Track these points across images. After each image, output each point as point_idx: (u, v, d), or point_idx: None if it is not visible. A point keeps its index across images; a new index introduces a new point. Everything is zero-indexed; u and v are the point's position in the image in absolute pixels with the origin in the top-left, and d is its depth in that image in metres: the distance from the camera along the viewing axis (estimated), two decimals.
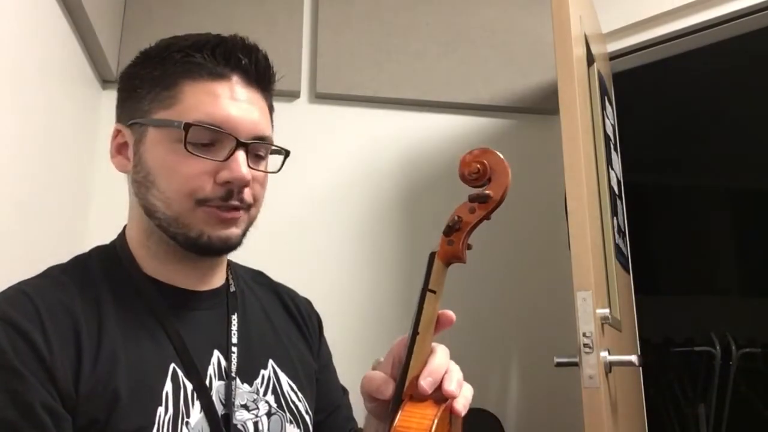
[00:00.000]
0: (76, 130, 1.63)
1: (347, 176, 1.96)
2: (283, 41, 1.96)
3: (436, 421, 0.59)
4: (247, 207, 0.75)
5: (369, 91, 1.98)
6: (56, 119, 1.48)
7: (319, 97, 1.98)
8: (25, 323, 0.63)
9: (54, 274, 0.72)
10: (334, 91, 1.97)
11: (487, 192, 0.65)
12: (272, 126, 0.81)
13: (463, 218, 0.66)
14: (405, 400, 0.62)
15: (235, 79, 0.74)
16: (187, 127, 0.69)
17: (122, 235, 0.79)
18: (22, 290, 0.67)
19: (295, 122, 1.95)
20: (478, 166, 0.65)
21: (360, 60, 1.99)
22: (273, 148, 0.79)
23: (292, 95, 1.96)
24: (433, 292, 0.65)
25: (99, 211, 1.75)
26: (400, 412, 0.60)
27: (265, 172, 0.78)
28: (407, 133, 2.02)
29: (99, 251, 0.78)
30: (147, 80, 0.74)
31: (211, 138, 0.71)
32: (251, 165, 0.74)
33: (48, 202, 1.45)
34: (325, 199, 1.92)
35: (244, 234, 0.77)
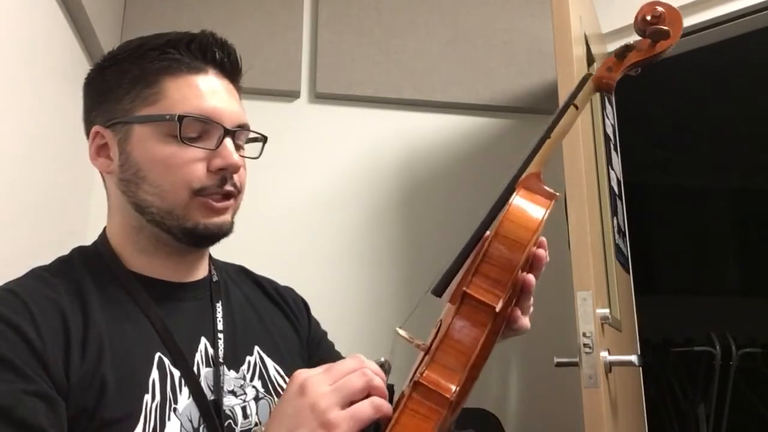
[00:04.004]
0: (76, 129, 1.63)
1: (347, 176, 1.96)
2: (283, 41, 1.96)
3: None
4: (236, 194, 0.78)
5: (369, 91, 1.98)
6: (56, 119, 1.48)
7: (319, 97, 1.98)
8: (16, 317, 0.64)
9: (37, 273, 0.74)
10: (334, 91, 1.97)
11: (664, 28, 0.68)
12: None
13: (640, 48, 0.69)
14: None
15: (212, 72, 0.78)
16: (181, 118, 0.72)
17: (103, 235, 0.80)
18: (8, 289, 0.69)
19: (295, 122, 1.95)
20: (662, 10, 0.70)
21: (360, 60, 1.99)
22: (250, 135, 0.82)
23: (292, 95, 1.96)
24: (576, 107, 0.68)
25: (99, 210, 1.75)
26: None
27: (248, 158, 0.82)
28: (407, 133, 2.02)
29: (80, 251, 0.79)
30: (124, 80, 0.75)
31: (200, 129, 0.74)
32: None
33: (48, 202, 1.45)
34: (324, 199, 1.92)
35: (233, 222, 0.80)
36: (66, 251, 0.79)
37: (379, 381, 0.63)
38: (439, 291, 0.68)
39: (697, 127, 3.72)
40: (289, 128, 1.94)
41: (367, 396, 0.61)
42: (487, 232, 0.66)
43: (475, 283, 0.60)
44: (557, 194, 0.65)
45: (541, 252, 0.67)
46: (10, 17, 1.22)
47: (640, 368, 1.78)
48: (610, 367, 1.25)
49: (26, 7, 1.29)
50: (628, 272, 1.84)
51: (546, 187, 0.66)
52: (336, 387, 0.61)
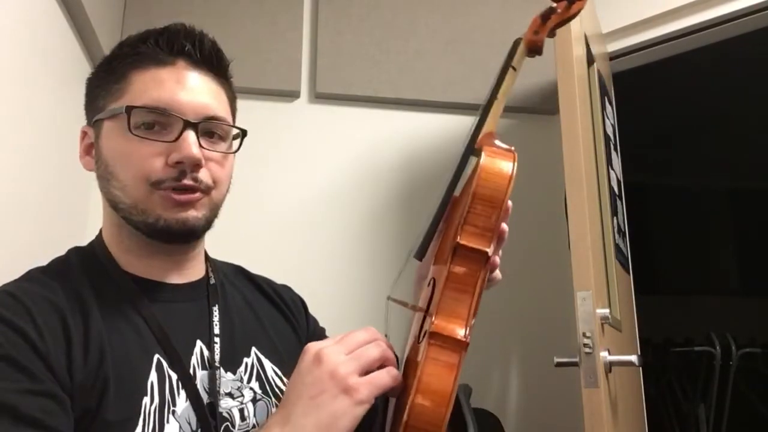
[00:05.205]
0: (75, 129, 1.63)
1: (347, 176, 1.96)
2: (283, 41, 1.96)
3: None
4: (206, 189, 0.75)
5: (369, 90, 1.98)
6: (56, 119, 1.48)
7: (319, 97, 1.98)
8: (18, 320, 0.64)
9: (34, 275, 0.74)
10: (334, 91, 1.97)
11: None
12: (232, 111, 0.83)
13: (559, 10, 0.75)
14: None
15: (181, 64, 0.76)
16: (129, 110, 0.71)
17: (99, 235, 0.80)
18: (6, 291, 0.68)
19: (295, 122, 1.95)
20: None
21: (360, 60, 1.99)
22: (235, 132, 0.80)
23: (292, 95, 1.96)
24: (514, 69, 0.76)
25: (98, 210, 1.75)
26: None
27: (223, 152, 0.78)
28: (407, 132, 2.02)
29: (76, 251, 0.79)
30: (102, 79, 0.77)
31: (158, 121, 0.72)
32: (205, 146, 0.75)
33: (48, 202, 1.45)
34: (324, 199, 1.92)
35: (208, 219, 0.77)
36: (65, 251, 0.79)
37: (391, 353, 0.65)
38: (420, 254, 0.73)
39: (697, 127, 3.72)
40: (289, 128, 1.94)
41: (380, 366, 0.64)
42: (455, 194, 0.73)
43: (466, 233, 0.64)
44: (513, 147, 0.70)
45: (509, 203, 0.70)
46: (10, 17, 1.22)
47: (640, 368, 1.78)
48: (610, 367, 1.25)
49: (26, 8, 1.29)
50: (628, 272, 1.84)
51: (503, 144, 0.71)
52: (353, 356, 0.63)
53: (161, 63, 0.75)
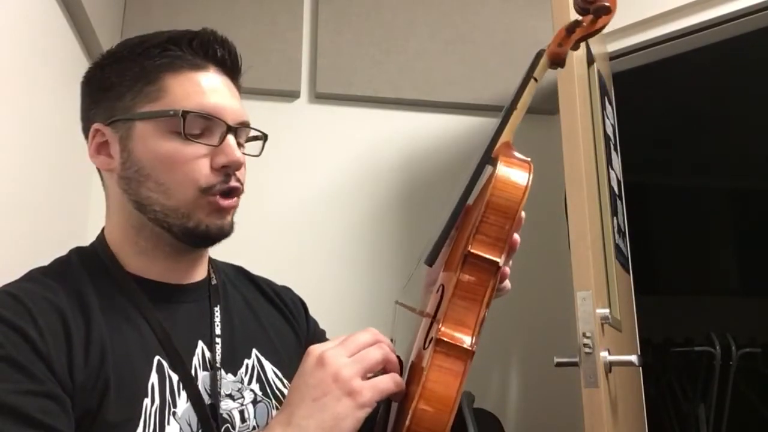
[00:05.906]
0: (75, 129, 1.63)
1: (347, 176, 1.96)
2: (283, 41, 1.96)
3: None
4: (241, 190, 0.78)
5: (369, 90, 1.99)
6: (56, 119, 1.48)
7: (319, 97, 1.98)
8: (18, 320, 0.64)
9: (35, 275, 0.73)
10: (334, 91, 1.97)
11: (606, 4, 0.73)
12: None
13: (585, 24, 0.75)
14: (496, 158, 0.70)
15: (213, 70, 0.77)
16: (185, 114, 0.72)
17: (101, 236, 0.80)
18: (7, 292, 0.68)
19: (295, 122, 1.95)
20: None
21: (360, 60, 1.99)
22: (251, 134, 0.82)
23: (292, 95, 1.96)
24: (536, 80, 0.76)
25: (99, 210, 1.75)
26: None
27: (249, 155, 0.81)
28: (407, 133, 2.02)
29: (78, 251, 0.79)
30: (126, 77, 0.75)
31: (203, 126, 0.74)
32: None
33: (48, 202, 1.45)
34: (324, 199, 1.93)
35: (233, 223, 0.79)
36: (65, 251, 0.79)
37: (394, 356, 0.66)
38: (430, 260, 0.73)
39: (697, 127, 3.72)
40: (289, 128, 1.94)
41: (383, 369, 0.65)
42: (468, 202, 0.73)
43: (477, 242, 0.64)
44: (529, 159, 0.71)
45: (522, 213, 0.70)
46: (10, 17, 1.22)
47: (640, 368, 1.78)
48: (610, 367, 1.25)
49: (26, 7, 1.29)
50: (628, 272, 1.84)
51: (520, 155, 0.72)
52: (356, 358, 0.63)
53: (195, 67, 0.75)
